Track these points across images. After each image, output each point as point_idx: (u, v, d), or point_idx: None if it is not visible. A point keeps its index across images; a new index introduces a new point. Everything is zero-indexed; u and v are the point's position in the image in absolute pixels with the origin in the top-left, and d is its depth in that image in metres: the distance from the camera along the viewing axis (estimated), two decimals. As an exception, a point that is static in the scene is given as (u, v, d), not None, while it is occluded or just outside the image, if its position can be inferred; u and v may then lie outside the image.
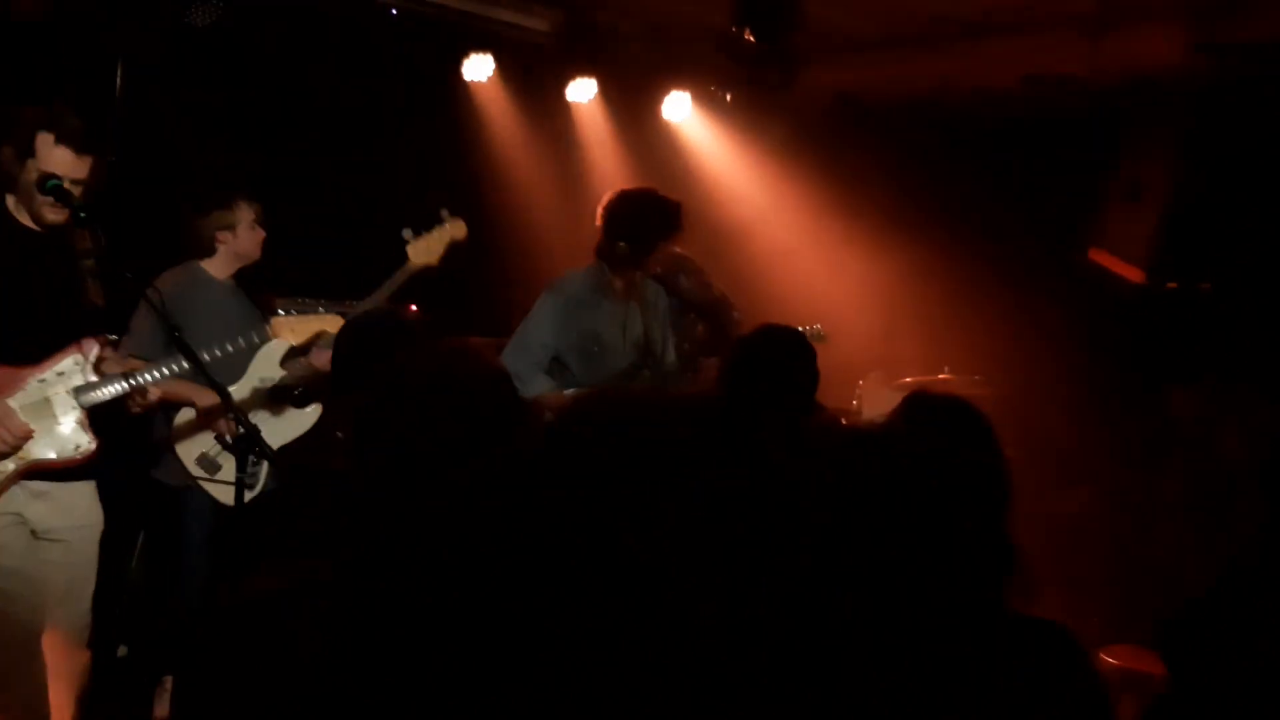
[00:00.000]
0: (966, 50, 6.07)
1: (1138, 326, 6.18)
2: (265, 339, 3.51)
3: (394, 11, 5.44)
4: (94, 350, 3.13)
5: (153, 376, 3.17)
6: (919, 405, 2.49)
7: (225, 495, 3.88)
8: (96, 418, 3.15)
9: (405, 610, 1.38)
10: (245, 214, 4.07)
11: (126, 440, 4.20)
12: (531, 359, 4.16)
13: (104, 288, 3.18)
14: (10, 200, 3.10)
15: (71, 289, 3.14)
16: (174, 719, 3.16)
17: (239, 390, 3.94)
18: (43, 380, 3.06)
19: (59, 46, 4.74)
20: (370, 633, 1.35)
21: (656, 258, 4.31)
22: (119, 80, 5.14)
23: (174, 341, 3.05)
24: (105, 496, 4.08)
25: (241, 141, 5.33)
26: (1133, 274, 6.43)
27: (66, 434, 3.09)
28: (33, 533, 3.14)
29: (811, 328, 4.52)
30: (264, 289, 4.67)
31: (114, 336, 3.26)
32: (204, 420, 3.89)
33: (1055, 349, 5.91)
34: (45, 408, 3.06)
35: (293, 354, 4.06)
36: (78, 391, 3.08)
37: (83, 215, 3.07)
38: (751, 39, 5.05)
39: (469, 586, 1.42)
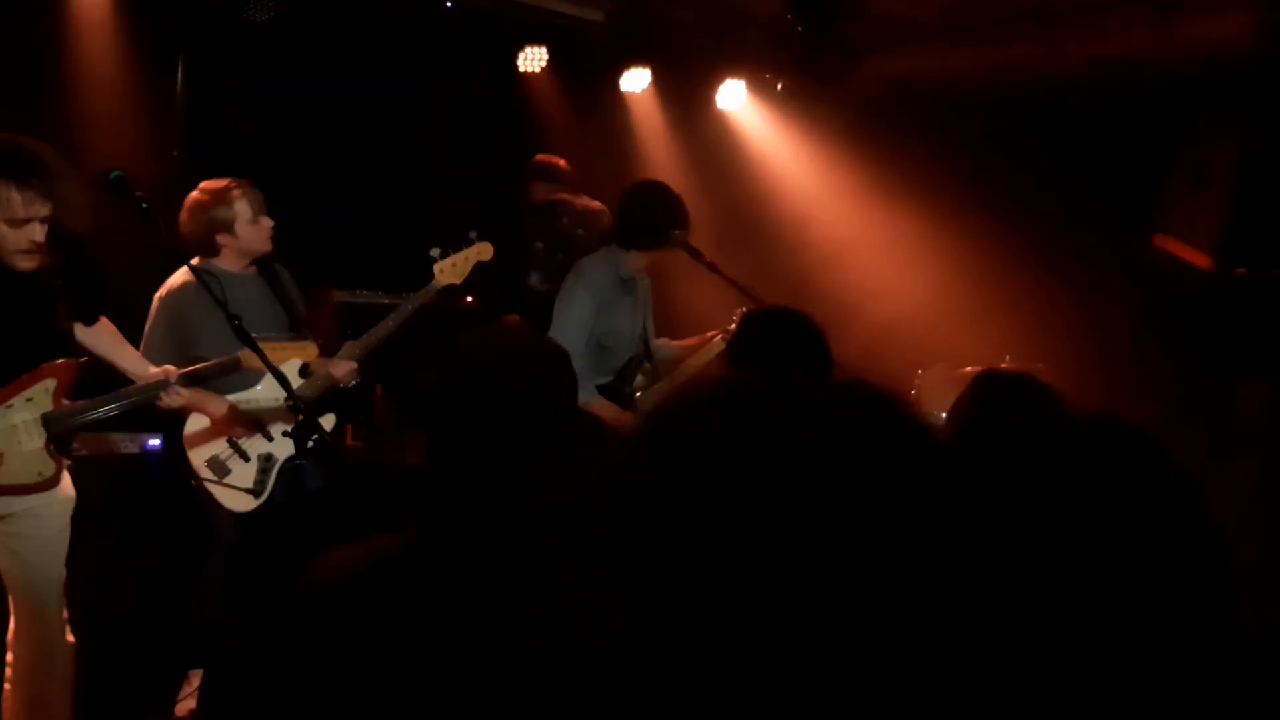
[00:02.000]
0: (1030, 35, 5.95)
1: (1206, 315, 6.02)
2: (239, 365, 3.38)
3: (449, 4, 5.45)
4: (62, 376, 3.09)
5: (116, 404, 3.19)
6: (992, 385, 2.42)
7: (229, 499, 3.84)
8: (64, 443, 3.15)
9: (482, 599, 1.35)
10: (242, 209, 3.86)
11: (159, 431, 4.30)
12: (577, 357, 4.13)
13: (73, 310, 3.13)
14: None
15: (40, 314, 3.09)
16: (203, 713, 3.19)
17: (260, 395, 3.89)
18: (10, 407, 3.02)
19: (124, 41, 4.82)
20: (441, 622, 1.33)
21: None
22: (180, 75, 5.22)
23: (233, 328, 3.08)
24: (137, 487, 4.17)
25: (297, 135, 5.39)
26: (1200, 260, 6.27)
27: (31, 461, 3.06)
28: None
29: None
30: (325, 281, 4.71)
31: (83, 359, 3.20)
32: (218, 427, 3.86)
33: (1120, 339, 5.78)
34: (12, 434, 3.02)
35: (308, 369, 3.98)
36: (44, 419, 3.06)
37: (144, 206, 3.10)
38: (806, 28, 4.98)
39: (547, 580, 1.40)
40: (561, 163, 5.52)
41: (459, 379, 1.61)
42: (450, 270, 4.05)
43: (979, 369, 5.70)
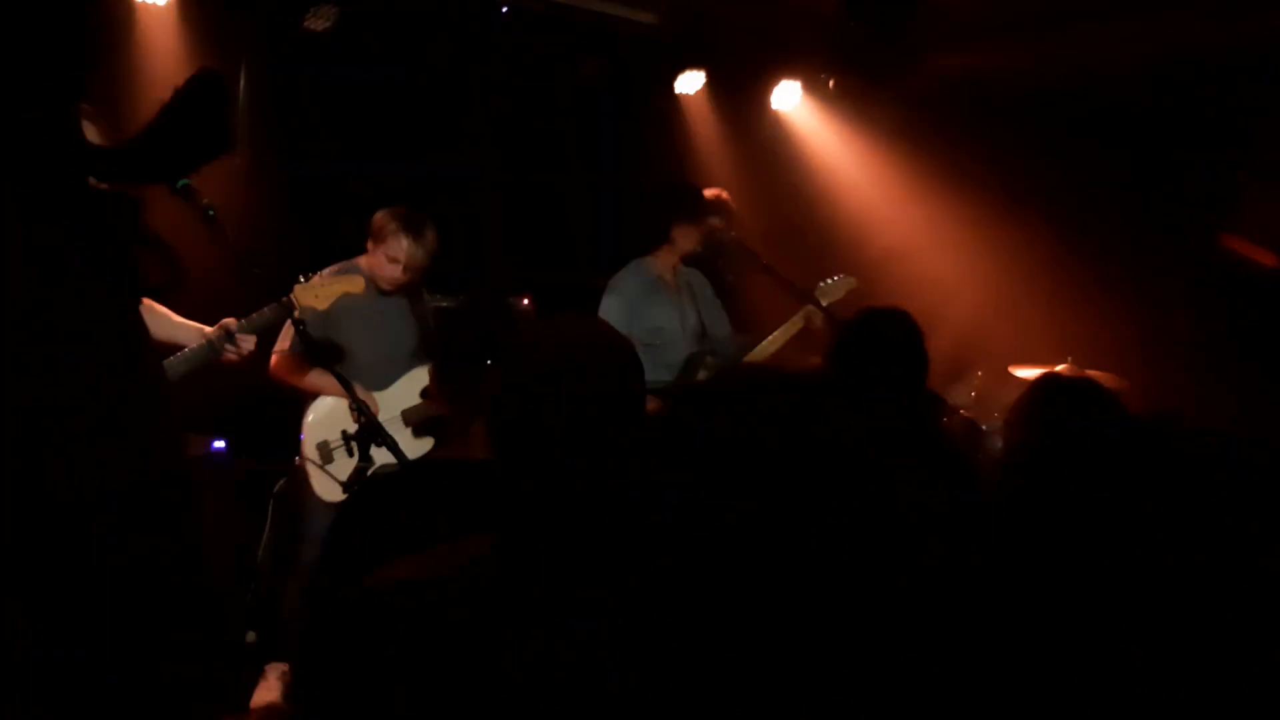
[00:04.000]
0: (1090, 30, 5.86)
1: (1273, 315, 5.90)
2: (292, 309, 3.48)
3: (504, 9, 5.48)
4: None
5: (184, 362, 3.27)
6: (1051, 388, 2.40)
7: (323, 486, 4.01)
8: None
9: (556, 601, 1.35)
10: (395, 249, 4.04)
11: (264, 428, 4.38)
12: None
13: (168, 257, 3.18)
14: None
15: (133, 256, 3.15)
16: (294, 711, 3.23)
17: (385, 400, 4.11)
18: None
19: (188, 47, 4.90)
20: (522, 621, 1.33)
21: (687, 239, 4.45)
22: (242, 83, 5.29)
23: (299, 334, 3.14)
24: (234, 481, 4.25)
25: (359, 140, 5.45)
26: (1268, 259, 6.14)
27: None
28: None
29: (839, 279, 4.62)
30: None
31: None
32: (339, 417, 4.00)
33: (1185, 339, 5.68)
34: None
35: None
36: None
37: (211, 213, 3.14)
38: (862, 26, 4.95)
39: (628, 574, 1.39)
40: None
41: (522, 373, 1.59)
42: (308, 291, 3.82)
43: (1039, 370, 5.66)
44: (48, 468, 2.10)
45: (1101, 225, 6.04)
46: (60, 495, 2.20)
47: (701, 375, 4.44)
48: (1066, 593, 1.96)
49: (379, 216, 4.10)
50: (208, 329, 3.44)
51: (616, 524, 1.43)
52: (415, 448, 4.12)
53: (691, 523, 1.44)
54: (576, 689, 1.28)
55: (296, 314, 3.35)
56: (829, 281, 4.63)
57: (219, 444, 4.56)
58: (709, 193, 4.67)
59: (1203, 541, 1.90)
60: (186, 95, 2.49)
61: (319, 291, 3.47)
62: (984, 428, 4.77)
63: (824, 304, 4.47)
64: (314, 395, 4.09)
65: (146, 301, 3.33)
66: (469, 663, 1.30)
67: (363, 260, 4.18)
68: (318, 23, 5.25)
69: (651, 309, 4.41)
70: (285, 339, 4.01)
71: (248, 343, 3.27)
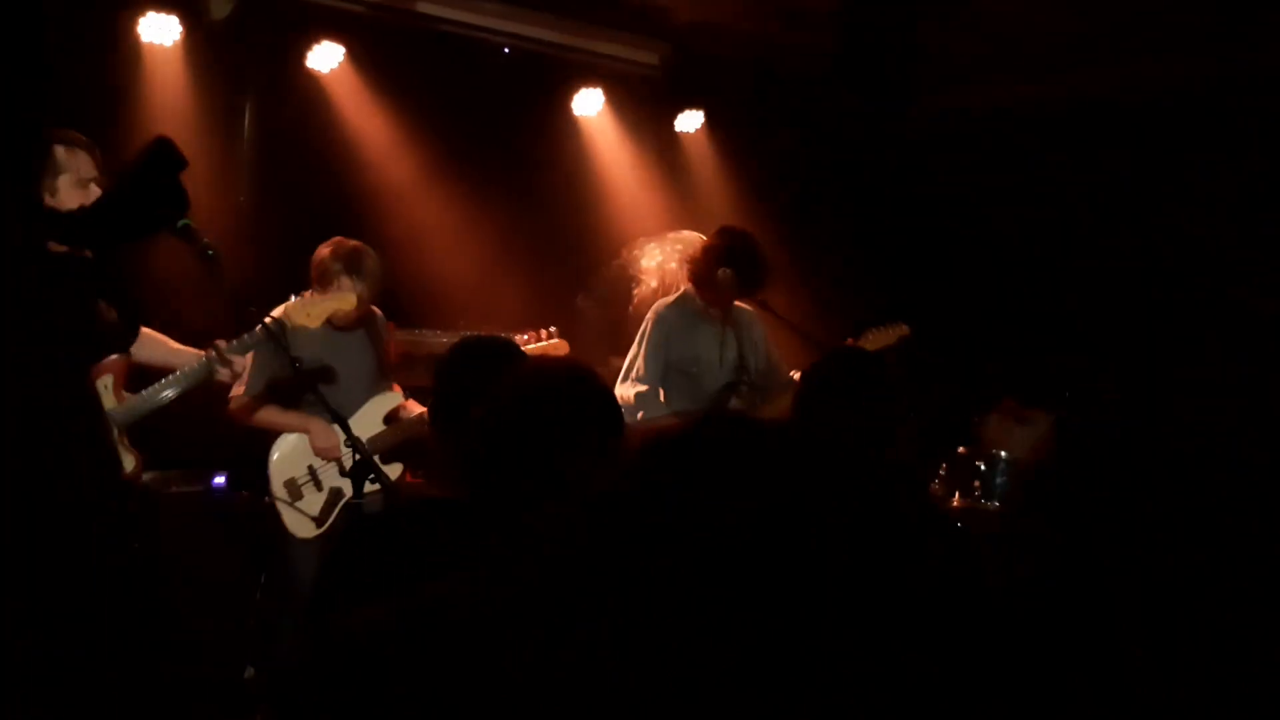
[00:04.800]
0: (1098, 61, 5.83)
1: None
2: (284, 331, 3.42)
3: (506, 50, 5.56)
4: (117, 370, 3.22)
5: (175, 384, 3.28)
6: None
7: (294, 523, 4.03)
8: (137, 435, 3.24)
9: (523, 636, 1.37)
10: (359, 286, 4.00)
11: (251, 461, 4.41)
12: (640, 385, 4.41)
13: (112, 302, 3.21)
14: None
15: (83, 309, 3.12)
16: None
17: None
18: None
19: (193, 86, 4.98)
20: (490, 661, 1.35)
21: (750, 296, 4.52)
22: (247, 121, 5.37)
23: (295, 373, 3.17)
24: (234, 514, 4.28)
25: (358, 180, 5.52)
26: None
27: None
28: None
29: (887, 328, 4.55)
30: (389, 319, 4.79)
31: (127, 352, 3.34)
32: (304, 453, 4.05)
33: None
34: None
35: (394, 415, 4.19)
36: (111, 413, 3.15)
37: (210, 254, 3.19)
38: (862, 67, 5.02)
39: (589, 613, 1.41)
40: None
41: (499, 411, 1.63)
42: (300, 310, 3.77)
43: (1043, 411, 5.64)
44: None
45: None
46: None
47: (735, 404, 4.50)
48: (1067, 593, 2.01)
49: (319, 260, 4.02)
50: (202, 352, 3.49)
51: (613, 528, 1.45)
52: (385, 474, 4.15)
53: (690, 523, 1.46)
54: (576, 691, 1.30)
55: (287, 337, 3.36)
56: (879, 328, 4.57)
57: (219, 479, 4.59)
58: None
59: (1201, 541, 1.93)
60: (142, 162, 2.58)
61: (310, 310, 3.48)
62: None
63: (871, 350, 4.40)
64: (275, 434, 4.07)
65: (146, 331, 3.39)
66: (467, 671, 1.31)
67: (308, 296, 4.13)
68: (322, 62, 5.34)
69: (690, 338, 4.49)
70: (240, 384, 3.97)
71: (239, 362, 3.31)
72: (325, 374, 3.86)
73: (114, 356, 3.20)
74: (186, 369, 3.28)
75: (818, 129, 6.32)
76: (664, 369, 4.44)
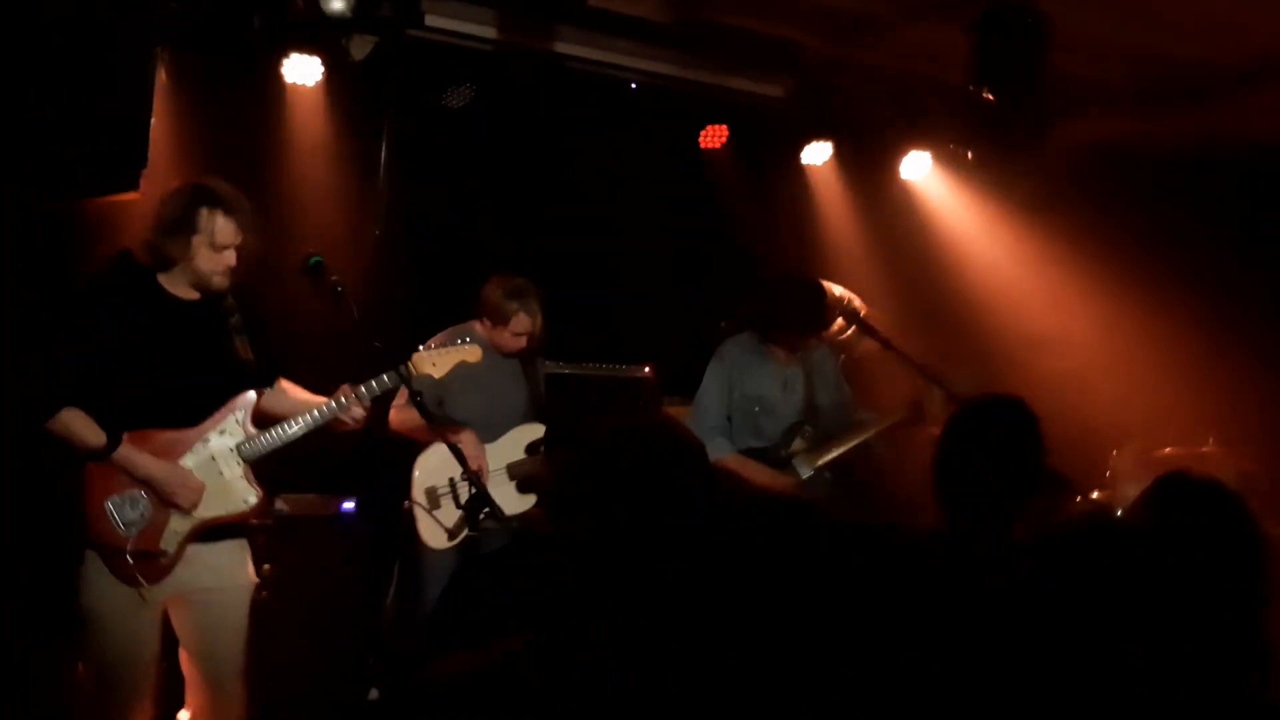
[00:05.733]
0: (1239, 100, 5.67)
1: None
2: (409, 378, 3.50)
3: (633, 86, 5.62)
4: (250, 405, 3.29)
5: (302, 423, 3.32)
6: (1171, 490, 2.33)
7: (428, 531, 4.16)
8: (262, 470, 3.31)
9: (600, 693, 1.39)
10: (518, 323, 4.30)
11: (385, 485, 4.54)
12: (707, 424, 4.41)
13: (251, 339, 3.33)
14: (163, 277, 3.26)
15: (223, 350, 3.29)
16: None
17: (493, 452, 4.29)
18: (206, 440, 3.23)
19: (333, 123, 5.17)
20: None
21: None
22: (384, 159, 5.55)
23: (415, 404, 3.26)
24: (366, 535, 4.40)
25: (494, 214, 5.65)
26: None
27: (235, 490, 3.25)
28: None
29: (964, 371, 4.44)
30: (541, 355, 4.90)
31: (268, 389, 3.41)
32: (449, 464, 4.13)
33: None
34: (212, 466, 3.23)
35: (537, 446, 4.36)
36: (240, 447, 3.25)
37: (340, 291, 3.30)
38: (991, 98, 4.89)
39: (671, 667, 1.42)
40: None
41: (582, 468, 1.65)
42: (426, 360, 3.95)
43: (1177, 451, 5.41)
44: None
45: (1246, 301, 5.79)
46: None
47: (798, 444, 4.45)
48: (1068, 599, 1.95)
49: (493, 296, 4.30)
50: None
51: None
52: (518, 503, 4.24)
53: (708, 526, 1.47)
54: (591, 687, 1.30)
55: (413, 381, 3.44)
56: (967, 374, 4.48)
57: (348, 505, 4.74)
58: (835, 293, 4.64)
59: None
60: None
61: (437, 360, 3.59)
62: (1118, 512, 4.58)
63: (955, 392, 4.30)
64: (427, 443, 4.25)
65: (284, 383, 3.51)
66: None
67: (478, 326, 4.33)
68: (455, 100, 5.50)
69: (753, 377, 4.48)
70: (403, 394, 4.14)
71: (359, 409, 3.37)
72: (449, 422, 4.08)
73: (249, 393, 3.31)
74: (315, 410, 3.37)
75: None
76: (728, 406, 4.44)
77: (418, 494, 4.20)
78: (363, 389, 3.37)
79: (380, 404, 3.65)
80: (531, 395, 4.40)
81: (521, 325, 4.29)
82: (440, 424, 3.49)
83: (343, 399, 3.35)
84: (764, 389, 4.46)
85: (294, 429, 3.30)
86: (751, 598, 1.43)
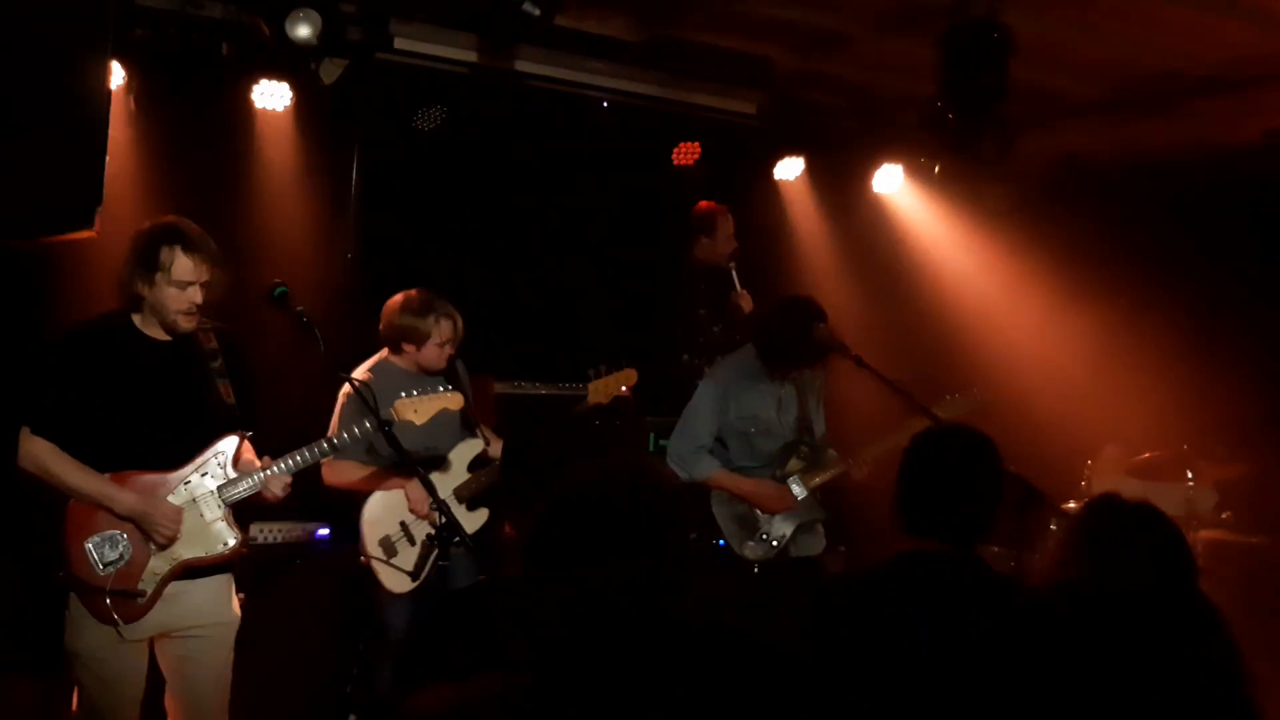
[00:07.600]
0: (1201, 108, 5.72)
1: None
2: (391, 421, 3.42)
3: (605, 105, 5.63)
4: (232, 447, 3.26)
5: (284, 467, 3.29)
6: (1102, 512, 2.44)
7: (391, 580, 4.06)
8: (242, 513, 3.27)
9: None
10: (440, 333, 4.11)
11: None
12: (696, 442, 4.37)
13: (234, 386, 3.28)
14: (136, 318, 3.23)
15: (204, 391, 3.26)
16: None
17: (437, 480, 4.09)
18: (188, 482, 3.20)
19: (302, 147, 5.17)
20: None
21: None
22: (355, 182, 5.55)
23: (384, 434, 3.24)
24: (340, 562, 4.34)
25: (465, 237, 5.65)
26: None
27: (215, 531, 3.22)
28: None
29: (961, 396, 4.45)
30: (483, 371, 4.87)
31: (249, 433, 3.34)
32: (398, 509, 4.11)
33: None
34: (193, 508, 3.20)
35: (479, 462, 4.24)
36: (221, 489, 3.22)
37: (305, 321, 3.28)
38: (959, 111, 4.91)
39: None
40: (724, 210, 5.48)
41: (559, 507, 1.65)
42: (602, 390, 4.24)
43: (1151, 456, 5.44)
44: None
45: (1212, 306, 5.83)
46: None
47: (794, 463, 4.40)
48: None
49: (403, 320, 4.11)
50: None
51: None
52: (473, 521, 4.19)
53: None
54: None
55: (392, 427, 3.38)
56: (953, 397, 4.45)
57: (323, 531, 4.72)
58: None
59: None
60: None
61: (419, 407, 3.55)
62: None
63: (942, 419, 4.23)
64: (366, 493, 4.13)
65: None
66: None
67: (396, 360, 4.17)
68: (426, 122, 5.50)
69: (749, 397, 4.41)
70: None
71: (278, 485, 3.28)
72: (425, 461, 3.97)
73: (232, 436, 3.29)
74: (299, 452, 3.32)
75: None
76: (719, 427, 4.38)
77: (371, 548, 4.08)
78: (286, 463, 3.32)
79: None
80: (462, 411, 4.16)
81: (445, 331, 4.10)
82: (402, 459, 3.38)
83: (261, 475, 3.27)
84: (758, 409, 4.41)
85: (278, 468, 3.27)
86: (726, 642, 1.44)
